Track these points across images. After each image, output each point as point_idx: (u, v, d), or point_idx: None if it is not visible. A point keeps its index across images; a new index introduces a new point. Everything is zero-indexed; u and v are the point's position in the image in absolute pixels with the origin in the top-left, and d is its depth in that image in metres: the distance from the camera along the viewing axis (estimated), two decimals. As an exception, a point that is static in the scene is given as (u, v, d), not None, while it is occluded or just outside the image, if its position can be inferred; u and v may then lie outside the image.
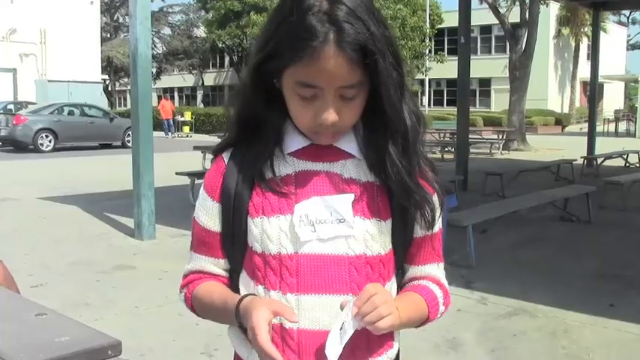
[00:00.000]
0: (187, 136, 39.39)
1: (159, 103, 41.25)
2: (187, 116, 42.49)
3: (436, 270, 1.92)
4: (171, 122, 39.70)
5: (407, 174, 1.74)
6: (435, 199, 1.81)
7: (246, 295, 1.73)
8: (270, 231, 1.74)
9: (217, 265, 1.87)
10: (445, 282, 1.93)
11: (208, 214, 1.84)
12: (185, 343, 5.75)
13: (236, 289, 1.85)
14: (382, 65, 1.62)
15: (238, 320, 1.71)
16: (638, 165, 21.21)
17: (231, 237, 1.81)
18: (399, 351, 1.92)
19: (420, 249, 1.87)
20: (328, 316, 1.73)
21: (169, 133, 38.74)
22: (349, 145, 1.78)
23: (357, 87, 1.64)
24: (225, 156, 1.83)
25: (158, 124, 32.29)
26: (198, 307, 1.88)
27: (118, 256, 9.09)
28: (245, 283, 1.83)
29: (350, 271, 1.75)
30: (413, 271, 1.91)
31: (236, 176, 1.79)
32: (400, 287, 1.91)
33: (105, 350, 2.58)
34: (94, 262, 8.66)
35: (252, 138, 1.80)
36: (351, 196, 1.74)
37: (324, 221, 1.73)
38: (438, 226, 1.87)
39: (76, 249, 9.47)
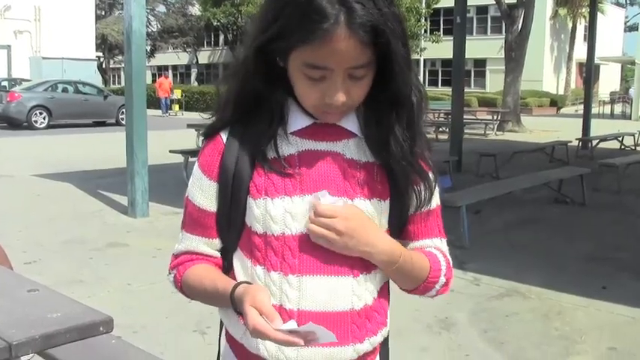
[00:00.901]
0: (176, 114, 39.06)
1: (153, 81, 40.99)
2: (177, 94, 41.78)
3: (439, 243, 1.91)
4: (169, 101, 39.28)
5: (409, 152, 1.74)
6: (431, 176, 1.81)
7: (239, 284, 1.71)
8: (274, 212, 1.71)
9: (210, 246, 1.84)
10: (449, 256, 1.90)
11: (204, 193, 1.80)
12: (178, 320, 5.76)
13: (229, 268, 1.83)
14: (394, 44, 1.60)
15: (235, 307, 1.69)
16: (633, 147, 21.24)
17: (228, 217, 1.79)
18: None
19: (421, 225, 1.87)
20: (329, 297, 1.74)
21: (165, 112, 38.27)
22: (351, 123, 1.77)
23: (366, 66, 1.62)
24: (223, 135, 1.78)
25: (152, 103, 32.10)
26: (188, 290, 1.86)
27: (111, 233, 9.08)
28: (241, 262, 1.81)
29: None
30: (415, 245, 1.88)
31: (235, 156, 1.75)
32: None
33: (97, 326, 2.59)
34: (87, 240, 8.66)
35: (251, 117, 1.76)
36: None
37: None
38: (436, 202, 1.88)
39: (69, 226, 9.46)
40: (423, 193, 1.79)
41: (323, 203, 1.67)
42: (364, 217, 1.72)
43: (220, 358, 1.96)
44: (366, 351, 1.81)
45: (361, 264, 1.76)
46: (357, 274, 1.76)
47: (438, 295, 1.90)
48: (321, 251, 1.72)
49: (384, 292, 1.87)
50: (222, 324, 1.94)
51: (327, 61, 1.59)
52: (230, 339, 1.88)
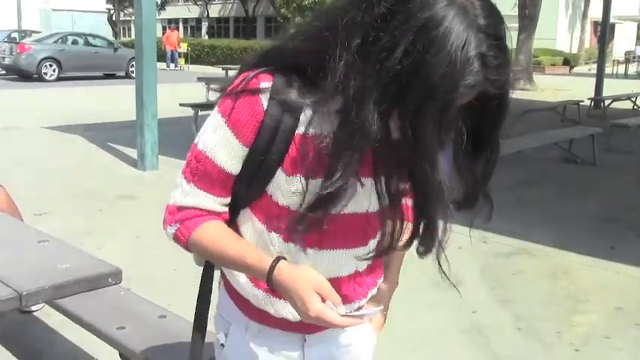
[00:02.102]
0: (181, 68, 38.40)
1: (163, 34, 40.68)
2: (183, 47, 40.96)
3: None
4: (176, 54, 38.79)
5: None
6: None
7: (277, 261, 1.62)
8: (304, 192, 1.62)
9: (220, 203, 1.73)
10: None
11: (231, 156, 1.65)
12: (186, 272, 5.73)
13: (233, 221, 1.78)
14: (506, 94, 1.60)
15: (271, 286, 1.62)
16: (645, 108, 21.08)
17: (249, 182, 1.68)
18: None
19: None
20: (339, 266, 1.77)
21: (172, 65, 37.84)
22: None
23: None
24: (263, 98, 1.59)
25: (162, 56, 31.95)
26: (199, 249, 1.76)
27: (121, 186, 9.11)
28: (253, 223, 1.75)
29: (366, 225, 1.75)
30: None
31: (275, 127, 1.60)
32: None
33: (105, 278, 2.62)
34: (97, 192, 8.68)
35: (300, 89, 1.59)
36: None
37: None
38: None
39: (79, 178, 9.49)
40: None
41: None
42: None
43: (219, 307, 1.97)
44: (364, 301, 1.89)
45: (373, 234, 1.78)
46: (366, 243, 1.78)
47: None
48: (342, 228, 1.71)
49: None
50: (207, 269, 1.94)
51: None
52: (230, 289, 1.89)
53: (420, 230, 1.65)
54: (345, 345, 1.92)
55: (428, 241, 1.67)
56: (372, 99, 1.42)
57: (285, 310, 1.76)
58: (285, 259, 1.63)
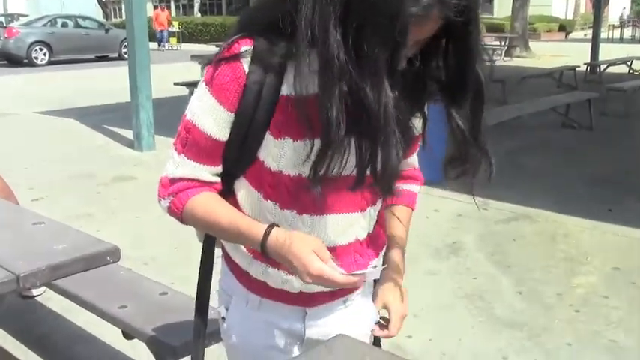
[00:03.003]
0: (171, 47, 37.61)
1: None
2: (175, 26, 40.32)
3: (415, 159, 2.01)
4: (165, 34, 37.99)
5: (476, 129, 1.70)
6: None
7: (270, 229, 1.62)
8: (293, 154, 1.63)
9: (212, 173, 1.73)
10: (417, 162, 2.04)
11: (217, 122, 1.64)
12: (186, 251, 5.77)
13: (228, 193, 1.78)
14: (474, 25, 1.51)
15: (266, 253, 1.63)
16: (641, 71, 21.04)
17: (240, 149, 1.67)
18: None
19: (414, 146, 1.90)
20: (337, 233, 1.76)
21: (162, 45, 37.12)
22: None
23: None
24: (244, 62, 1.59)
25: (153, 36, 31.74)
26: (193, 221, 1.75)
27: (118, 167, 9.11)
28: (248, 192, 1.75)
29: (364, 191, 1.73)
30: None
31: (259, 89, 1.59)
32: None
33: (103, 256, 2.60)
34: (94, 175, 8.68)
35: (280, 48, 1.57)
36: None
37: None
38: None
39: (75, 162, 9.48)
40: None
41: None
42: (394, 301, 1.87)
43: (220, 280, 1.97)
44: (366, 272, 1.84)
45: (370, 198, 1.77)
46: (364, 209, 1.77)
47: None
48: (337, 192, 1.70)
49: (381, 215, 1.91)
50: (207, 245, 1.97)
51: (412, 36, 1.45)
52: (230, 262, 1.89)
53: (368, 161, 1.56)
54: (347, 319, 1.91)
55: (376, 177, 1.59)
56: (335, 34, 1.41)
57: (281, 282, 1.77)
58: (278, 226, 1.63)
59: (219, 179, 1.76)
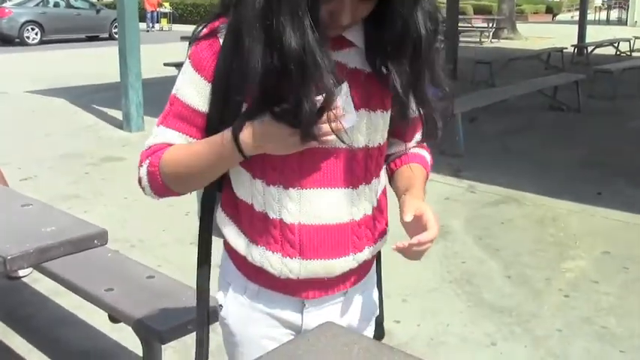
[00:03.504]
0: (162, 28, 37.03)
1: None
2: (167, 7, 39.76)
3: (419, 137, 1.93)
4: (155, 14, 37.43)
5: (410, 86, 1.65)
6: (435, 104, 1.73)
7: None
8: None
9: (188, 141, 1.73)
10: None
11: (196, 90, 1.69)
12: (175, 233, 5.78)
13: (223, 178, 1.80)
14: None
15: (241, 148, 1.61)
16: (628, 53, 21.07)
17: (221, 120, 1.66)
18: None
19: (412, 127, 1.86)
20: (329, 209, 1.72)
21: (151, 26, 36.50)
22: (356, 34, 1.66)
23: None
24: (220, 36, 1.64)
25: (144, 16, 31.60)
26: (170, 169, 1.73)
27: (106, 148, 9.07)
28: (240, 174, 1.75)
29: (351, 163, 1.72)
30: (403, 146, 1.92)
31: (231, 60, 1.61)
32: (388, 156, 1.92)
33: (91, 239, 2.60)
34: (83, 155, 8.65)
35: None
36: (345, 87, 1.62)
37: None
38: None
39: (64, 142, 9.44)
40: (423, 117, 1.73)
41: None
42: (433, 216, 1.66)
43: (220, 267, 1.96)
44: (366, 259, 1.83)
45: (362, 175, 1.75)
46: (356, 186, 1.75)
47: None
48: (321, 164, 1.69)
49: (382, 199, 1.88)
50: (204, 240, 1.97)
51: None
52: (229, 249, 1.88)
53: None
54: (346, 311, 1.90)
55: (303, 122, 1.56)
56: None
57: (281, 264, 1.75)
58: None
59: None
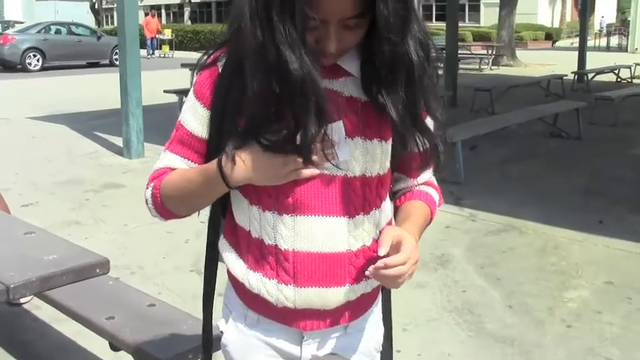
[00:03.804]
0: (165, 55, 37.23)
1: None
2: (167, 34, 40.21)
3: (429, 175, 1.95)
4: (155, 41, 37.72)
5: (408, 115, 1.66)
6: (435, 130, 1.76)
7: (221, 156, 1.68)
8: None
9: (190, 166, 1.80)
10: (436, 182, 1.99)
11: (197, 119, 1.75)
12: (175, 260, 5.78)
13: (225, 205, 1.85)
14: (381, 1, 1.50)
15: (226, 179, 1.66)
16: (629, 80, 21.09)
17: (216, 148, 1.72)
18: None
19: (417, 162, 1.83)
20: (324, 238, 1.72)
21: (152, 53, 36.66)
22: (349, 62, 1.67)
23: (360, 17, 1.54)
24: (220, 65, 1.72)
25: (143, 43, 31.65)
26: (169, 192, 1.80)
27: (107, 174, 9.08)
28: (239, 200, 1.78)
29: (348, 192, 1.72)
30: (409, 182, 1.92)
31: (229, 84, 1.68)
32: (393, 194, 1.92)
33: (93, 268, 2.60)
34: (83, 181, 8.65)
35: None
36: (339, 124, 1.65)
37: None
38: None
39: (65, 168, 9.45)
40: (421, 145, 1.73)
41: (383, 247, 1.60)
42: (412, 242, 1.66)
43: (224, 295, 1.96)
44: (364, 292, 1.82)
45: (359, 204, 1.74)
46: (353, 215, 1.74)
47: None
48: (315, 191, 1.69)
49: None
50: (209, 264, 1.96)
51: (319, 13, 1.51)
52: (231, 276, 1.88)
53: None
54: (347, 346, 1.89)
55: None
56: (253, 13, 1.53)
57: (277, 290, 1.75)
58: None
59: None
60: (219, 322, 1.96)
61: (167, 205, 1.81)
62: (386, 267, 1.59)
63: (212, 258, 1.95)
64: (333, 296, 1.76)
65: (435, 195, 1.95)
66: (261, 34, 1.51)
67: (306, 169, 1.63)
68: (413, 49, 1.59)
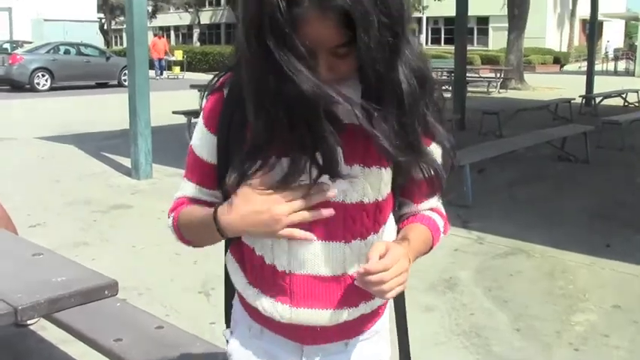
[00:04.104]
0: (178, 77, 36.97)
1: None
2: (178, 55, 39.89)
3: (435, 202, 1.93)
4: (163, 62, 37.24)
5: (403, 142, 1.61)
6: (439, 159, 1.74)
7: (219, 204, 1.71)
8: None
9: (203, 192, 1.83)
10: (443, 210, 1.96)
11: (205, 145, 1.78)
12: (183, 282, 5.77)
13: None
14: (362, 29, 1.47)
15: (222, 230, 1.69)
16: (636, 104, 21.10)
17: (224, 173, 1.71)
18: None
19: (421, 187, 1.81)
20: (318, 261, 1.72)
21: (159, 74, 36.20)
22: (351, 90, 1.61)
23: (348, 45, 1.51)
24: (225, 91, 1.73)
25: (152, 64, 31.70)
26: (183, 229, 1.84)
27: (115, 195, 9.09)
28: None
29: (344, 218, 1.71)
30: (413, 207, 1.90)
31: (231, 113, 1.70)
32: (399, 218, 1.91)
33: (101, 290, 2.60)
34: (91, 202, 8.66)
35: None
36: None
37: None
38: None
39: (73, 189, 9.46)
40: (427, 176, 1.72)
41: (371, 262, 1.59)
42: (398, 252, 1.65)
43: (232, 307, 1.98)
44: (363, 313, 1.82)
45: (356, 230, 1.73)
46: (349, 240, 1.73)
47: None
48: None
49: None
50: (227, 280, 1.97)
51: (305, 42, 1.49)
52: (237, 290, 1.91)
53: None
54: None
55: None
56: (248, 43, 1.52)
57: (272, 307, 1.76)
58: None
59: (215, 200, 1.81)
60: (225, 331, 1.99)
61: (187, 237, 1.86)
62: (366, 273, 1.58)
63: (229, 275, 1.97)
64: (329, 317, 1.76)
65: (440, 221, 1.93)
66: (259, 64, 1.51)
67: (300, 231, 1.65)
68: (403, 76, 1.56)
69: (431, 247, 1.90)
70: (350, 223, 1.72)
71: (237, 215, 1.64)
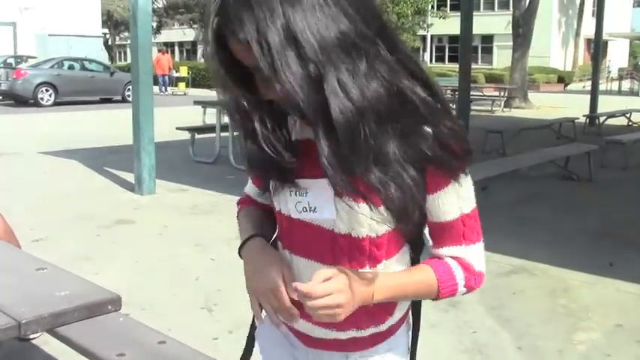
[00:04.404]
0: (184, 93, 36.83)
1: (156, 57, 39.81)
2: (183, 72, 40.14)
3: (461, 251, 1.79)
4: (167, 78, 37.07)
5: (341, 176, 1.52)
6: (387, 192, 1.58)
7: (248, 239, 1.83)
8: (279, 194, 1.77)
9: (255, 192, 1.98)
10: (474, 262, 1.80)
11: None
12: (185, 297, 5.77)
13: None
14: (262, 61, 1.44)
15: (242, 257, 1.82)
16: (640, 124, 21.13)
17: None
18: (410, 312, 2.02)
19: (440, 232, 1.77)
20: (303, 278, 1.68)
21: (163, 90, 36.02)
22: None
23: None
24: None
25: (156, 80, 31.79)
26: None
27: (118, 210, 9.09)
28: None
29: (334, 247, 1.71)
30: (433, 251, 1.80)
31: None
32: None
33: (105, 305, 2.60)
34: (94, 217, 8.66)
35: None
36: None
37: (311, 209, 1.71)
38: (456, 212, 1.82)
39: (76, 204, 9.47)
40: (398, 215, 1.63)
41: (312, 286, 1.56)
42: (337, 285, 1.56)
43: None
44: (355, 336, 1.82)
45: (346, 262, 1.71)
46: (332, 261, 1.71)
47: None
48: (307, 236, 1.73)
49: None
50: None
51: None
52: None
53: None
54: None
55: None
56: None
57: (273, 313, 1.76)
58: (262, 236, 1.83)
59: (264, 201, 1.96)
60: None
61: None
62: (295, 289, 1.56)
63: None
64: (323, 335, 1.81)
65: (458, 272, 1.76)
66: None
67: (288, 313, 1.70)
68: (335, 105, 1.44)
69: (438, 294, 1.76)
70: (339, 253, 1.71)
71: (249, 273, 1.79)
